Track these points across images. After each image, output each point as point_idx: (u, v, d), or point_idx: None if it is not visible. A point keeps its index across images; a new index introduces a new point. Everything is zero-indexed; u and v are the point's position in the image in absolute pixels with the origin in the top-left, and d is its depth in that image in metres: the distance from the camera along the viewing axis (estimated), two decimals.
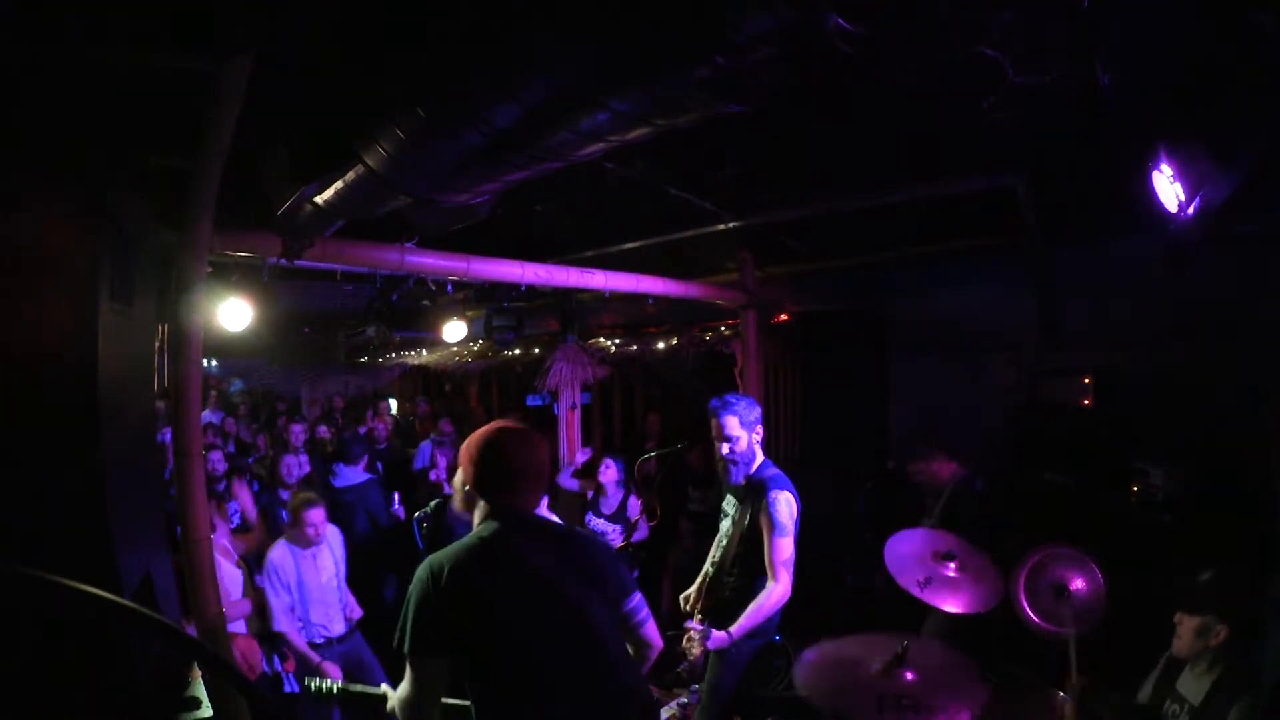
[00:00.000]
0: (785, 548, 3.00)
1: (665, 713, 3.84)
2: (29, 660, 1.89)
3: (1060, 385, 4.22)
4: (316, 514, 4.13)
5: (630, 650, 2.08)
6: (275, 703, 2.20)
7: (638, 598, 2.08)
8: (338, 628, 4.16)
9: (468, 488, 2.07)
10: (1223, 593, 2.32)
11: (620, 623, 2.05)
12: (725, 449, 3.14)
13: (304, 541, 4.11)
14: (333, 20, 2.20)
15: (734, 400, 3.16)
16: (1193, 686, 2.33)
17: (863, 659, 2.34)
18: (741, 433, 3.11)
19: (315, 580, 4.11)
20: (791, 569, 3.02)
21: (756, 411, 3.18)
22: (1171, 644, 2.44)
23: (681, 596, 3.44)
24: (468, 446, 2.08)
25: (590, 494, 5.74)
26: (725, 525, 3.30)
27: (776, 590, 2.97)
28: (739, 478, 3.17)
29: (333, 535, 4.32)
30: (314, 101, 2.52)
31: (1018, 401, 4.52)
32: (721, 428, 3.13)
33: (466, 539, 1.96)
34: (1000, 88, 2.60)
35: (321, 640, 4.10)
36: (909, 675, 2.26)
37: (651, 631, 2.10)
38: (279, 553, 4.08)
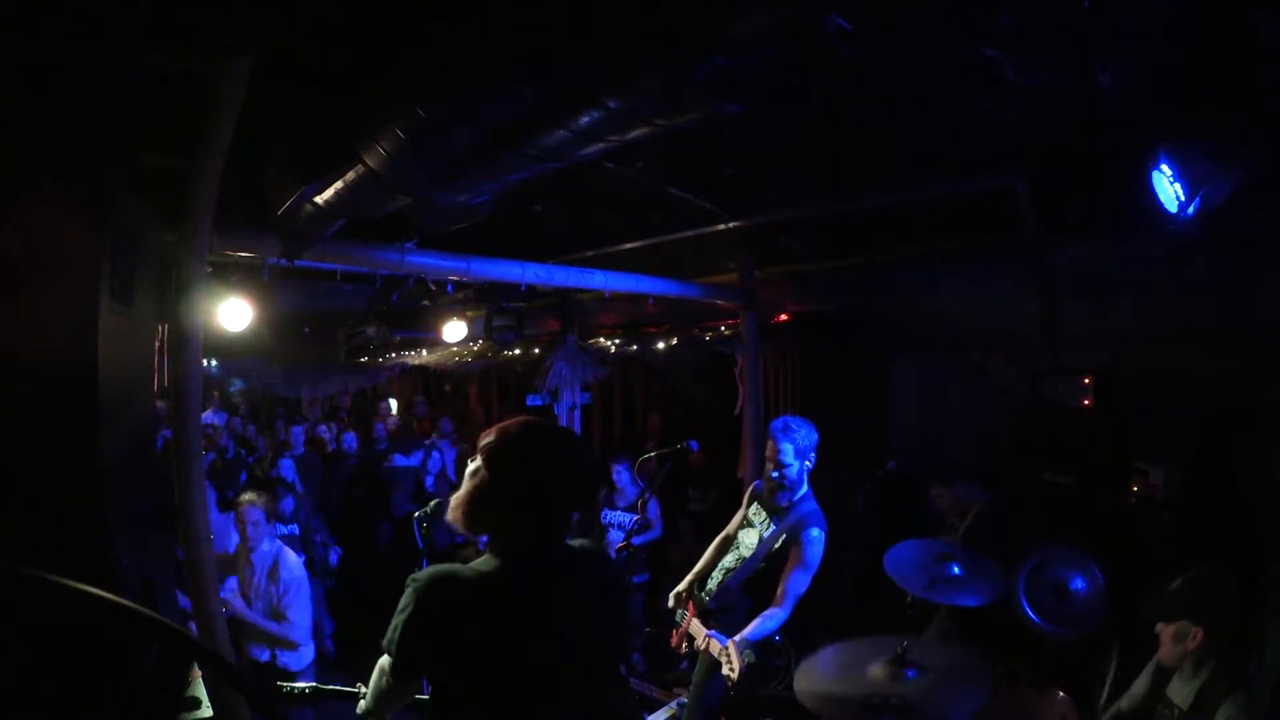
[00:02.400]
0: (804, 583, 3.05)
1: (665, 713, 3.84)
2: (29, 660, 1.89)
3: (1060, 385, 4.22)
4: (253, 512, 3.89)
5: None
6: (275, 702, 2.17)
7: (634, 658, 1.88)
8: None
9: (467, 510, 1.69)
10: (1191, 598, 2.35)
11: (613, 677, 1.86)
12: (776, 474, 3.17)
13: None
14: (333, 21, 2.20)
15: (795, 427, 3.17)
16: (1181, 692, 2.35)
17: (862, 663, 2.33)
18: (795, 461, 3.14)
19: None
20: (796, 602, 3.06)
21: (814, 439, 3.20)
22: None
23: (673, 594, 3.45)
24: (485, 456, 1.67)
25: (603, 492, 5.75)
26: (749, 537, 3.29)
27: (779, 616, 3.01)
28: (784, 500, 3.20)
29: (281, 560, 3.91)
30: (314, 101, 2.51)
31: (1018, 401, 4.52)
32: (777, 452, 3.15)
33: (469, 569, 1.66)
34: (1000, 88, 2.60)
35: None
36: (909, 676, 2.25)
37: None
38: None
